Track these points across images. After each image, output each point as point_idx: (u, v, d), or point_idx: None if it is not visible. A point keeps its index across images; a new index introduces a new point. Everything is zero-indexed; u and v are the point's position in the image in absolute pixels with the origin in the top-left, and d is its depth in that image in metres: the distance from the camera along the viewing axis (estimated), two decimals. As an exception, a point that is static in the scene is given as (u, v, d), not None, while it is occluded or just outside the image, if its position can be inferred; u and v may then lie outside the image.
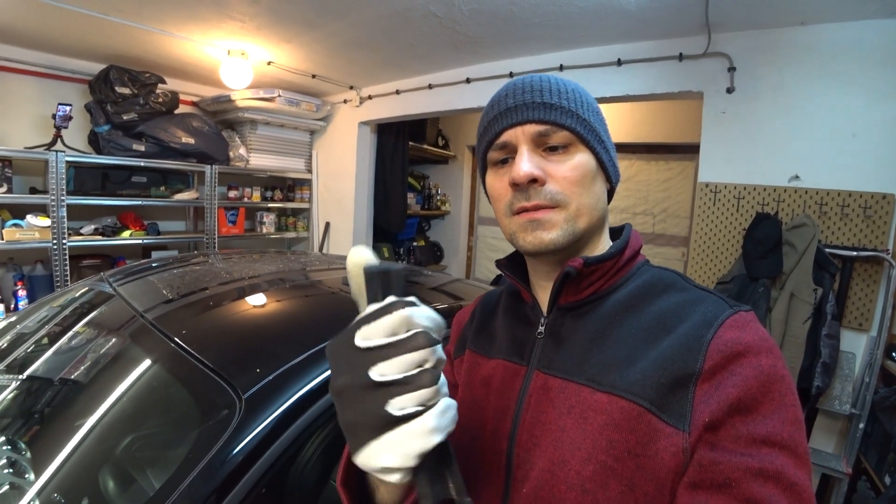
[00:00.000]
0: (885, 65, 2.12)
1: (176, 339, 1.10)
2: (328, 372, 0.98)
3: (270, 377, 0.95)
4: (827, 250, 2.04)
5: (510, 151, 0.61)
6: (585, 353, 0.58)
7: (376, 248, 4.37)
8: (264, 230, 4.03)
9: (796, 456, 0.47)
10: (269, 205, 4.06)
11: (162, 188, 3.39)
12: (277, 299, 1.45)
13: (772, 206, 2.23)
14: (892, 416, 1.87)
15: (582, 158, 0.59)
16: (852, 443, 2.05)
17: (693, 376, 0.50)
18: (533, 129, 0.58)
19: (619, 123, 3.83)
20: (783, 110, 2.25)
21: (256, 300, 1.40)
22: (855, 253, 2.02)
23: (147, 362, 1.10)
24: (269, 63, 3.10)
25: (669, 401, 0.50)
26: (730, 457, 0.46)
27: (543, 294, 0.66)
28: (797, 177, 2.21)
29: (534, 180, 0.57)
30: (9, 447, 1.00)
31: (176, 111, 3.41)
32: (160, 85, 3.23)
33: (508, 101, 0.61)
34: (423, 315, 0.42)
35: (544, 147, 0.59)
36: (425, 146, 4.48)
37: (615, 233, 0.69)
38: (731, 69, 2.37)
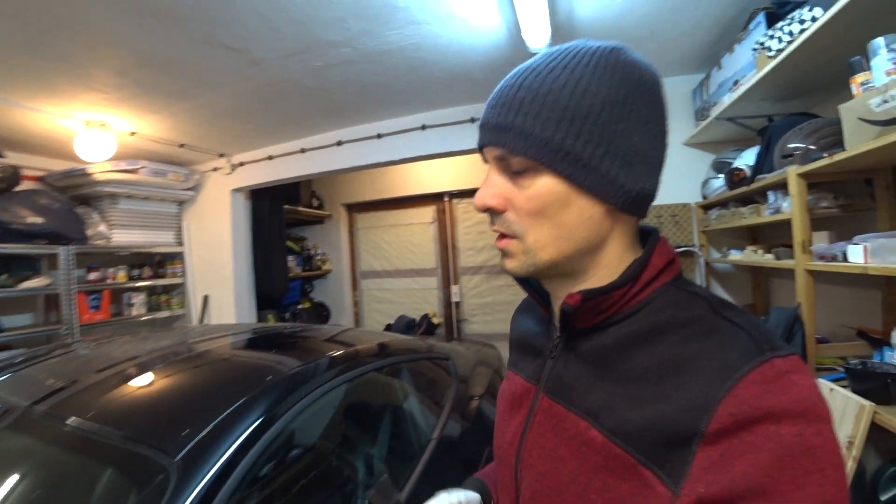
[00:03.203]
0: (668, 108, 2.78)
1: (88, 420, 1.06)
2: (254, 425, 1.03)
3: (201, 435, 0.97)
4: (655, 255, 2.57)
5: None
6: (589, 384, 0.54)
7: (261, 317, 4.25)
8: (134, 312, 3.71)
9: None
10: (138, 284, 3.77)
11: (4, 276, 3.02)
12: (171, 369, 1.42)
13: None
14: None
15: (543, 186, 0.52)
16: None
17: (695, 437, 0.43)
18: (494, 153, 0.55)
19: (479, 172, 4.29)
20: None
21: (152, 373, 1.36)
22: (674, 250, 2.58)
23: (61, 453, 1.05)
24: (132, 133, 3.02)
25: (667, 457, 0.45)
26: None
27: (558, 308, 0.60)
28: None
29: (492, 208, 0.55)
30: None
31: (17, 188, 3.11)
32: (-3, 162, 2.96)
33: (483, 113, 0.57)
34: None
35: (510, 170, 0.54)
36: (300, 208, 4.56)
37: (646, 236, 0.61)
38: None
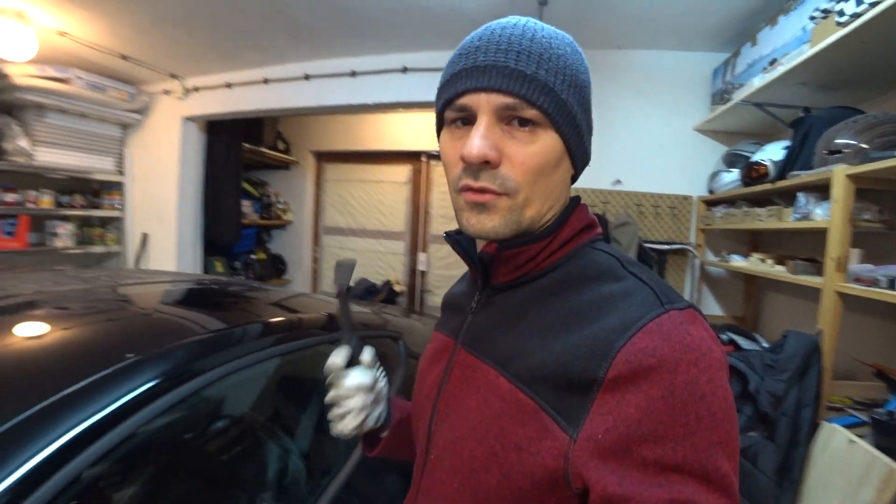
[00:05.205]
0: (680, 88, 2.48)
1: None
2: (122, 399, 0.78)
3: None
4: (646, 245, 2.26)
5: (470, 115, 0.52)
6: (500, 334, 0.56)
7: (208, 263, 3.88)
8: (59, 243, 3.30)
9: (709, 482, 0.41)
10: (67, 212, 3.35)
11: None
12: (56, 316, 1.11)
13: (600, 207, 2.43)
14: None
15: (547, 143, 0.51)
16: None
17: (595, 384, 0.44)
18: (500, 100, 0.50)
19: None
20: (605, 122, 2.47)
21: (26, 317, 1.05)
22: (667, 247, 2.28)
23: None
24: (61, 34, 2.56)
25: (567, 402, 0.46)
26: (640, 489, 0.41)
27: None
28: (619, 181, 2.45)
29: (487, 161, 0.50)
30: None
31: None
32: None
33: (479, 56, 0.51)
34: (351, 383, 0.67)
35: (508, 121, 0.51)
36: (263, 149, 4.12)
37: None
38: (562, 81, 2.55)
